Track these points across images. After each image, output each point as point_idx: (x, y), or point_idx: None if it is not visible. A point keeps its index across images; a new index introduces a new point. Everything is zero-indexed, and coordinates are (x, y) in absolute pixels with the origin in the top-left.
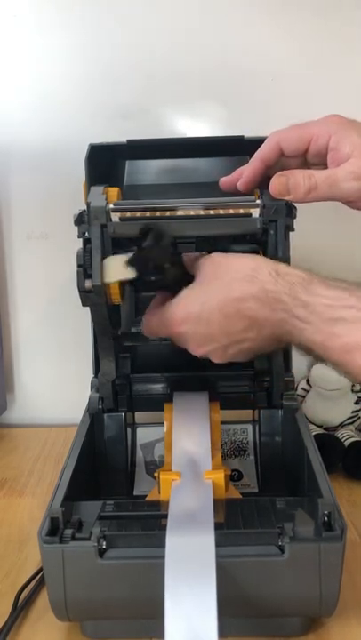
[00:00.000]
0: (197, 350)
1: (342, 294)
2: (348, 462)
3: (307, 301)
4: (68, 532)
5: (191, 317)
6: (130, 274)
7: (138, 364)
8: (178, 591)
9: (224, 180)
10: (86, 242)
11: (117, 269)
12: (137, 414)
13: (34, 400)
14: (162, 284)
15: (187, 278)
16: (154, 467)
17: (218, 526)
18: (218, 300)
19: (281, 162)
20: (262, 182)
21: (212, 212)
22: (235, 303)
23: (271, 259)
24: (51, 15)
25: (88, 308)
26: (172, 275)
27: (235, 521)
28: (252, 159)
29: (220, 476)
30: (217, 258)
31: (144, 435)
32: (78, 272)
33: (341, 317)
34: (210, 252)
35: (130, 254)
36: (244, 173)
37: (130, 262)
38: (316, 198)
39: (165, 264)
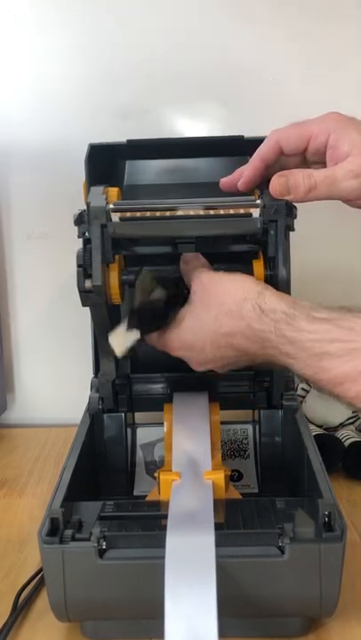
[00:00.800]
0: (197, 368)
1: (326, 327)
2: (348, 462)
3: (293, 338)
4: (68, 532)
5: (185, 345)
6: (135, 335)
7: (138, 364)
8: (178, 591)
9: (224, 181)
10: (86, 242)
11: (122, 340)
12: (137, 414)
13: (34, 400)
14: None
15: (184, 295)
16: (154, 467)
17: (218, 526)
18: (209, 333)
19: (281, 161)
20: (263, 182)
21: (212, 211)
22: (225, 338)
23: (270, 258)
24: (51, 15)
25: (88, 308)
26: (171, 307)
27: (235, 521)
28: (251, 159)
29: (220, 477)
30: (206, 281)
31: (144, 435)
32: (78, 272)
33: (327, 352)
34: (207, 255)
35: (126, 319)
36: (245, 173)
37: (129, 327)
38: (316, 197)
39: (161, 310)
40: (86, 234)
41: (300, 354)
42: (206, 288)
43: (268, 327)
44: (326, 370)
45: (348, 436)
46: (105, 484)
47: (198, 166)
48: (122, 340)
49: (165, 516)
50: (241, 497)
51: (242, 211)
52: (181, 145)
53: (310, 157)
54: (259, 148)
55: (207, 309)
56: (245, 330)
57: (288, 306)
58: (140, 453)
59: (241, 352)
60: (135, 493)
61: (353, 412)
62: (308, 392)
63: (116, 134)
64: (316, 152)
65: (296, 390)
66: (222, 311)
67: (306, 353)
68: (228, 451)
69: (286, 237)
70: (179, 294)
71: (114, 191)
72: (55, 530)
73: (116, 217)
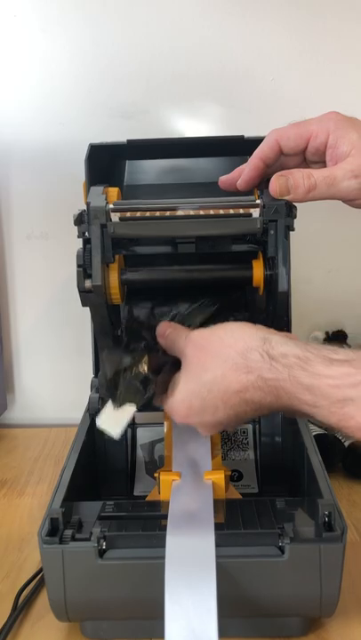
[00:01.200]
0: (210, 433)
1: (346, 370)
2: (348, 462)
3: (310, 385)
4: (68, 532)
5: (194, 412)
6: (128, 411)
7: None
8: (178, 591)
9: (223, 179)
10: (86, 242)
11: (115, 420)
12: (137, 414)
13: (34, 400)
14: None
15: (172, 361)
16: (154, 467)
17: (218, 526)
18: (219, 394)
19: (280, 160)
20: (262, 181)
21: (212, 211)
22: (237, 395)
23: (270, 258)
24: (51, 15)
25: (88, 308)
26: (152, 372)
27: (235, 521)
28: (251, 157)
29: (220, 477)
30: (198, 341)
31: (144, 435)
32: (78, 272)
33: (350, 398)
34: (207, 255)
35: (109, 401)
36: (244, 172)
37: (117, 404)
38: (316, 197)
39: (141, 377)
40: (86, 234)
41: (320, 401)
42: (201, 348)
43: (281, 375)
44: (351, 416)
45: None
46: (105, 484)
47: (198, 166)
48: (113, 421)
49: (165, 516)
50: (241, 497)
51: (242, 211)
52: (181, 145)
53: (310, 157)
54: (258, 148)
55: (210, 370)
56: (257, 382)
57: (300, 349)
58: (140, 453)
59: (256, 406)
60: (135, 493)
61: None
62: None
63: (116, 134)
64: (316, 152)
65: None
66: (228, 367)
67: (327, 400)
68: (228, 451)
69: (286, 237)
70: (153, 357)
71: (114, 191)
72: (55, 530)
73: (115, 217)
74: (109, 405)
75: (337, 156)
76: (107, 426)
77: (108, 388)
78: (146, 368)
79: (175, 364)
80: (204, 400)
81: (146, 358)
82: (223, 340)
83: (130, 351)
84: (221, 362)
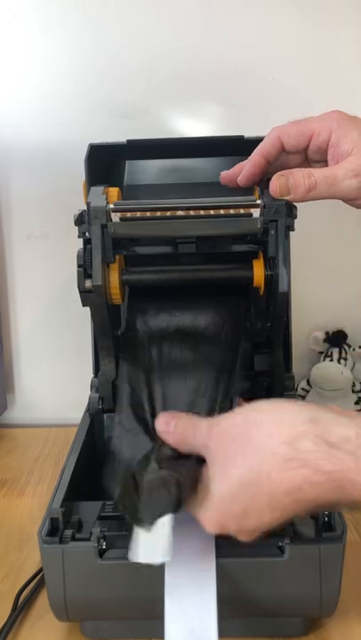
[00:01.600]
0: (251, 538)
1: None
2: None
3: None
4: (68, 532)
5: (233, 518)
6: (165, 527)
7: None
8: (178, 591)
9: (224, 174)
10: (86, 242)
11: (156, 542)
12: None
13: (34, 400)
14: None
15: (192, 464)
16: None
17: None
18: (265, 497)
19: (281, 159)
20: (263, 178)
21: (212, 211)
22: (288, 496)
23: (270, 258)
24: (51, 15)
25: (88, 308)
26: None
27: None
28: (252, 154)
29: None
30: (228, 430)
31: None
32: (78, 272)
33: None
34: (207, 255)
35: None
36: (245, 168)
37: (148, 525)
38: (316, 197)
39: (163, 485)
40: (86, 234)
41: None
42: (233, 440)
43: (346, 464)
44: None
45: None
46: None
47: (198, 166)
48: (153, 547)
49: None
50: None
51: (242, 211)
52: (181, 145)
53: (312, 156)
54: (260, 144)
55: (250, 467)
56: (314, 477)
57: (358, 426)
58: None
59: (312, 505)
60: None
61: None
62: (308, 392)
63: (116, 134)
64: (318, 150)
65: (296, 390)
66: (274, 463)
67: None
68: None
69: (287, 237)
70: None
71: (114, 191)
72: (55, 530)
73: (116, 217)
74: (139, 532)
75: (338, 154)
76: (149, 557)
77: (128, 513)
78: (159, 465)
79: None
80: (245, 506)
81: (156, 453)
82: (261, 426)
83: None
84: (265, 457)
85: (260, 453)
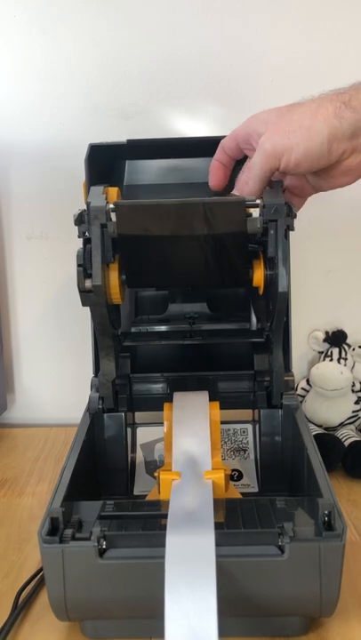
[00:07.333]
0: (280, 136)
1: None
2: (348, 462)
3: None
4: (68, 531)
5: (279, 110)
6: None
7: (138, 364)
8: (178, 591)
9: (213, 184)
10: (86, 242)
11: None
12: (137, 414)
13: (34, 400)
14: None
15: None
16: (154, 467)
17: (218, 526)
18: (313, 104)
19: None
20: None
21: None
22: (332, 104)
23: (270, 258)
24: (51, 15)
25: (88, 308)
26: None
27: (235, 521)
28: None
29: (220, 476)
30: (275, 110)
31: (144, 435)
32: (78, 272)
33: None
34: None
35: None
36: (210, 174)
37: None
38: (256, 187)
39: None
40: (86, 234)
41: None
42: (282, 112)
43: None
44: None
45: (348, 435)
46: (105, 483)
47: (198, 166)
48: None
49: (165, 516)
50: (241, 496)
51: None
52: (181, 145)
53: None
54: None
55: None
56: (351, 101)
57: None
58: (140, 453)
59: (348, 125)
60: (135, 493)
61: (353, 412)
62: (308, 392)
63: (116, 134)
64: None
65: (296, 390)
66: (316, 104)
67: None
68: (228, 450)
69: (286, 237)
70: None
71: (114, 191)
72: (55, 529)
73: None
74: None
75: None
76: None
77: None
78: None
79: None
80: (291, 107)
81: None
82: (296, 105)
83: None
84: (308, 106)
85: (303, 106)
